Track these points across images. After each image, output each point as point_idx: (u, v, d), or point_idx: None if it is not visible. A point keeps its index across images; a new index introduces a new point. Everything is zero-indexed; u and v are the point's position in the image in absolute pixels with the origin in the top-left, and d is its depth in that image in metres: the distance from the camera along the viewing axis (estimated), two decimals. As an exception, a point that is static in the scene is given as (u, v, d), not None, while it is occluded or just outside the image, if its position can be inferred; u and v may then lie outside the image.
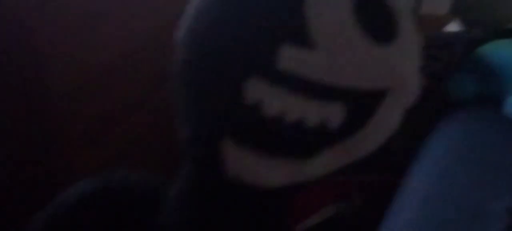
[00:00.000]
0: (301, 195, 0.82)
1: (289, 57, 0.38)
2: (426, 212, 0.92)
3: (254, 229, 0.52)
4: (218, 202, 0.50)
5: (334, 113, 0.41)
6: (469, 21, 1.39)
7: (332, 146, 0.43)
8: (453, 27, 1.41)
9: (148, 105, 1.10)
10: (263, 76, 0.39)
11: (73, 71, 0.95)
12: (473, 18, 1.41)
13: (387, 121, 0.44)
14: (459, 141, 1.19)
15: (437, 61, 1.47)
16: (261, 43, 0.39)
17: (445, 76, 1.47)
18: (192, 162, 0.49)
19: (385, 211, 0.97)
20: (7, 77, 0.93)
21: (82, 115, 0.96)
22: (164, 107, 1.09)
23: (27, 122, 0.98)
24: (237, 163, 0.44)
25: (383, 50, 0.40)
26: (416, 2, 1.34)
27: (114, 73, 1.01)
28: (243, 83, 0.40)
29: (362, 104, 0.42)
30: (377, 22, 0.40)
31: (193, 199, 0.54)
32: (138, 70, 1.05)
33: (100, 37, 0.96)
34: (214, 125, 0.44)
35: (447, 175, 1.04)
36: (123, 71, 1.03)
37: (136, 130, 1.10)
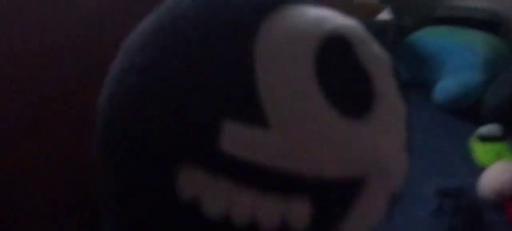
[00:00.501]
0: None
1: (234, 138, 0.29)
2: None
3: None
4: None
5: (297, 212, 0.30)
6: (399, 10, 1.41)
7: None
8: (385, 15, 1.43)
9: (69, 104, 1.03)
10: (200, 163, 0.29)
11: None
12: (404, 6, 1.43)
13: (368, 215, 0.33)
14: None
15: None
16: (197, 119, 0.29)
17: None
18: None
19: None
20: None
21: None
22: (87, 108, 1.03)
23: None
24: None
25: (357, 126, 0.31)
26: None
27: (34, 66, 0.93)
28: (174, 173, 0.29)
29: (334, 198, 0.31)
30: (347, 90, 0.31)
31: None
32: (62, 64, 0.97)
33: (19, 28, 0.87)
34: (142, 228, 0.32)
35: None
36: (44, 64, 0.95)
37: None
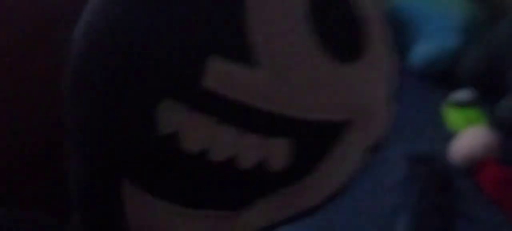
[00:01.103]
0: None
1: (219, 75, 0.28)
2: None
3: None
4: None
5: (276, 152, 0.30)
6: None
7: (272, 195, 0.32)
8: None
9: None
10: (182, 99, 0.29)
11: None
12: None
13: (344, 163, 0.34)
14: None
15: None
16: (181, 52, 0.29)
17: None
18: (83, 212, 0.37)
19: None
20: None
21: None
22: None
23: None
24: (143, 215, 0.33)
25: (346, 70, 0.31)
26: None
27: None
28: (154, 106, 0.29)
29: (313, 141, 0.31)
30: (339, 34, 0.31)
31: None
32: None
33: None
34: (113, 161, 0.32)
35: None
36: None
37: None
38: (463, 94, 1.09)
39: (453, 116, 1.07)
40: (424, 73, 1.23)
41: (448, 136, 1.00)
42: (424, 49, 1.23)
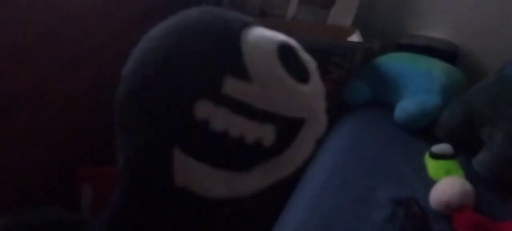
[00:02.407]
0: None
1: (232, 86, 0.47)
2: (321, 199, 0.96)
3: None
4: (164, 212, 0.55)
5: (267, 134, 0.49)
6: (368, 34, 1.48)
7: (264, 163, 0.51)
8: (355, 38, 1.49)
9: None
10: (211, 99, 0.47)
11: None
12: (372, 31, 1.50)
13: (305, 145, 0.53)
14: (352, 140, 1.27)
15: (340, 67, 1.54)
16: (210, 73, 0.48)
17: (345, 82, 1.56)
18: (138, 177, 0.54)
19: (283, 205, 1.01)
20: None
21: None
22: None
23: None
24: (185, 171, 0.49)
25: (303, 87, 0.50)
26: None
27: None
28: (194, 103, 0.47)
29: (288, 128, 0.50)
30: (295, 67, 0.50)
31: (138, 214, 0.56)
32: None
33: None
34: (168, 135, 0.49)
35: (340, 168, 1.11)
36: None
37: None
38: (442, 147, 1.14)
39: (431, 166, 1.12)
40: (407, 127, 1.29)
41: (428, 183, 1.04)
42: (407, 106, 1.30)
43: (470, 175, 1.08)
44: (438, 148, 1.14)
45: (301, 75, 0.50)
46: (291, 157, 0.52)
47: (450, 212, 0.96)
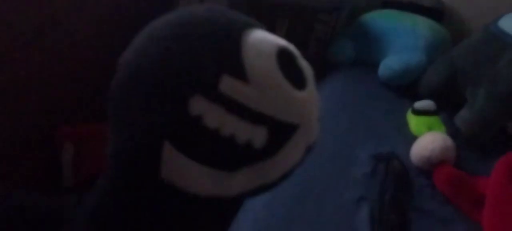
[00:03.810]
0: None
1: (228, 85, 0.45)
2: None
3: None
4: (146, 204, 0.54)
5: (259, 135, 0.47)
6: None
7: (252, 165, 0.49)
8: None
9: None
10: (207, 96, 0.45)
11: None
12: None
13: (295, 151, 0.51)
14: (334, 98, 1.25)
15: (325, 24, 1.51)
16: (208, 69, 0.46)
17: (330, 41, 1.54)
18: (125, 166, 0.53)
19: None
20: None
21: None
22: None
23: None
24: (172, 165, 0.48)
25: (299, 93, 0.48)
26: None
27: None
28: (190, 98, 0.46)
29: (280, 132, 0.48)
30: (293, 73, 0.49)
31: (121, 204, 0.55)
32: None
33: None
34: (159, 128, 0.48)
35: (324, 126, 1.10)
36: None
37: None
38: (425, 103, 1.13)
39: (413, 122, 1.11)
40: (391, 84, 1.28)
41: (410, 139, 1.03)
42: (391, 63, 1.28)
43: (452, 132, 1.07)
44: (420, 104, 1.13)
45: (298, 81, 0.49)
46: (280, 162, 0.50)
47: (430, 167, 0.96)
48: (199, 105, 0.45)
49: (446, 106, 1.16)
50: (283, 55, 0.48)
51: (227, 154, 0.48)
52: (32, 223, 0.62)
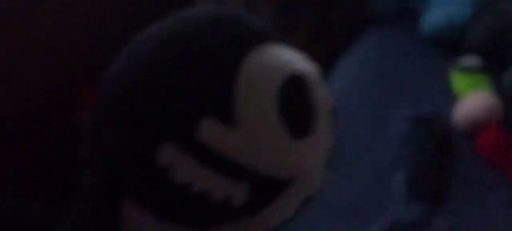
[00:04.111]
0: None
1: (208, 131, 0.37)
2: (335, 119, 0.91)
3: None
4: None
5: (238, 193, 0.40)
6: None
7: (234, 222, 0.42)
8: None
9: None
10: (179, 144, 0.38)
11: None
12: None
13: (284, 209, 0.43)
14: (372, 54, 1.21)
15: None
16: (186, 111, 0.38)
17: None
18: (89, 209, 0.47)
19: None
20: None
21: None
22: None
23: None
24: (135, 222, 0.42)
25: (297, 143, 0.40)
26: None
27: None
28: (158, 146, 0.38)
29: (266, 189, 0.41)
30: (296, 117, 0.40)
31: None
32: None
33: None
34: (120, 180, 0.42)
35: (358, 84, 1.07)
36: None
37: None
38: (470, 60, 1.07)
39: (459, 80, 1.05)
40: (434, 39, 1.21)
41: (452, 99, 0.98)
42: (434, 17, 1.21)
43: (499, 92, 1.01)
44: (465, 60, 1.07)
45: (302, 124, 0.41)
46: (268, 218, 0.43)
47: (474, 129, 0.91)
48: (168, 155, 0.38)
49: (494, 64, 1.09)
50: (290, 87, 0.40)
51: (199, 212, 0.41)
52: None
